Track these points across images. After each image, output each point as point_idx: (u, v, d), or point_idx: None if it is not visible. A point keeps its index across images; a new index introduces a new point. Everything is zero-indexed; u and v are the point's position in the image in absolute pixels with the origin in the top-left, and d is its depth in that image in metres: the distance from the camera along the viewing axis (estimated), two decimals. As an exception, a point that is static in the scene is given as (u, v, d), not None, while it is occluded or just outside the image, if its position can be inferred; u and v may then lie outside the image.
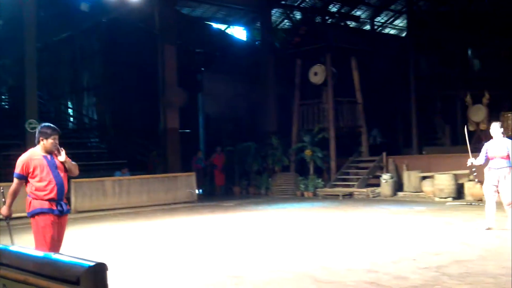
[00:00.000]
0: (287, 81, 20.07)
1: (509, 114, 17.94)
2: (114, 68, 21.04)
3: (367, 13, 26.84)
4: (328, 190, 17.37)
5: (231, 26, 25.69)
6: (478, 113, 19.15)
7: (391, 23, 28.64)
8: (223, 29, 25.23)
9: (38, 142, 5.80)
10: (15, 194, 5.70)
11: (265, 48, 21.17)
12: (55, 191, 5.67)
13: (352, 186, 17.30)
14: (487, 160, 9.04)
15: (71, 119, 24.58)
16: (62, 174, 5.80)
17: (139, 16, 18.87)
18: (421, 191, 15.70)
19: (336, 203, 14.94)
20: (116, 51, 20.72)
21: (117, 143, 20.79)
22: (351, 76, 19.51)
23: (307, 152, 18.42)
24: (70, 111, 24.83)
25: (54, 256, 2.53)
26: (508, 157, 8.76)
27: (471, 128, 19.45)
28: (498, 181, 8.88)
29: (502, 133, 9.04)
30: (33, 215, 5.63)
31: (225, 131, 21.16)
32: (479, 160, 9.18)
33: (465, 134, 10.29)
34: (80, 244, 8.79)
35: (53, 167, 5.75)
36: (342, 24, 23.85)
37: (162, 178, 16.01)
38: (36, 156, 5.73)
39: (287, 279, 5.91)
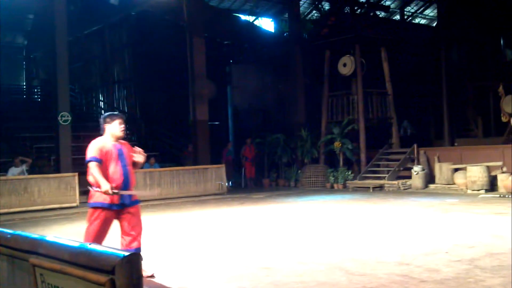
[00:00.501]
0: (316, 73, 19.97)
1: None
2: (144, 61, 21.23)
3: (397, 3, 26.51)
4: (358, 182, 17.25)
5: (259, 18, 25.66)
6: (511, 103, 18.76)
7: (421, 12, 28.25)
8: (251, 20, 25.21)
9: (104, 131, 5.72)
10: (102, 174, 5.44)
11: (293, 40, 21.08)
12: (120, 183, 5.55)
13: (383, 178, 17.14)
14: None
15: (102, 111, 24.90)
16: (129, 166, 5.70)
17: (168, 9, 18.98)
18: (453, 184, 15.47)
19: (367, 196, 14.84)
20: (145, 44, 20.90)
21: (147, 135, 21.00)
22: (381, 67, 19.30)
23: (337, 144, 18.31)
24: (101, 103, 25.14)
25: (90, 246, 2.56)
26: None
27: (504, 120, 19.09)
28: None
29: None
30: (93, 207, 5.55)
31: (254, 123, 21.19)
32: None
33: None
34: (112, 235, 8.92)
35: (121, 157, 5.65)
36: (371, 14, 23.57)
37: (192, 170, 16.11)
38: (107, 144, 5.62)
39: (318, 271, 5.89)
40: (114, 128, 5.68)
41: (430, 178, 16.35)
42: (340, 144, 18.24)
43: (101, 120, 5.79)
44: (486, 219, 9.53)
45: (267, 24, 26.09)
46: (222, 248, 7.47)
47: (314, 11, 25.20)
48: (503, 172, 14.31)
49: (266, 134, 19.42)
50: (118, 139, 5.71)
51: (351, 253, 6.79)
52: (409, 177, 16.48)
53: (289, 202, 13.77)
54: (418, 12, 28.08)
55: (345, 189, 17.14)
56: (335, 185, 17.63)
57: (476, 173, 14.43)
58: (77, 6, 19.67)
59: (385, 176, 17.12)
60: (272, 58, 21.71)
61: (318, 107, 19.72)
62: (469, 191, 14.39)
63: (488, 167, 14.50)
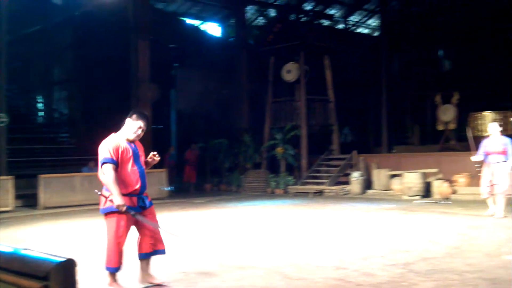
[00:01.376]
0: (261, 78, 20.12)
1: (477, 115, 18.31)
2: (86, 63, 20.79)
3: (341, 12, 27.05)
4: (299, 188, 17.49)
5: (205, 22, 25.64)
6: (447, 113, 19.49)
7: (364, 22, 28.91)
8: (197, 25, 25.15)
9: (122, 128, 5.37)
10: (117, 181, 5.07)
11: (238, 45, 21.18)
12: (139, 184, 5.23)
13: (323, 183, 17.44)
14: (486, 155, 10.06)
15: (41, 113, 24.23)
16: (144, 166, 5.40)
17: (112, 10, 18.69)
18: (390, 189, 15.92)
19: (306, 201, 15.06)
20: (88, 45, 20.48)
21: (88, 139, 20.55)
22: (324, 74, 19.66)
23: (279, 150, 18.51)
24: (40, 105, 24.47)
25: (23, 251, 2.52)
26: (504, 152, 9.80)
27: (440, 128, 19.83)
28: (493, 174, 9.93)
29: (500, 131, 10.03)
30: (107, 213, 5.18)
31: (197, 128, 21.14)
32: (479, 157, 10.19)
33: (468, 136, 10.77)
34: (47, 240, 8.72)
35: (137, 158, 5.31)
36: (316, 22, 23.99)
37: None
38: (122, 143, 5.25)
39: (257, 276, 5.95)
40: (131, 129, 5.31)
41: (368, 184, 16.76)
42: (282, 150, 18.45)
43: (128, 116, 5.38)
44: (420, 224, 9.86)
45: (213, 29, 26.09)
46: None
47: (260, 18, 25.40)
48: (438, 179, 14.83)
49: (209, 138, 19.42)
50: (130, 140, 5.37)
51: (290, 257, 6.88)
52: (348, 183, 16.85)
53: (230, 207, 13.81)
54: (361, 21, 28.73)
55: (286, 194, 17.33)
56: (276, 190, 17.80)
57: (412, 179, 14.90)
58: (19, 4, 19.08)
59: (325, 182, 17.42)
60: (217, 63, 21.73)
61: (261, 112, 19.89)
62: (405, 197, 14.83)
63: (424, 173, 15.00)
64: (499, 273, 5.74)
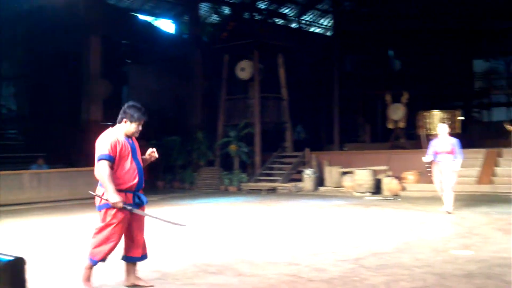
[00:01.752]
0: (215, 76, 20.09)
1: (425, 113, 18.79)
2: (36, 58, 20.26)
3: (294, 11, 27.25)
4: (252, 185, 17.55)
5: (158, 19, 25.37)
6: (397, 111, 19.95)
7: (317, 22, 29.21)
8: (150, 21, 24.87)
9: (119, 123, 5.17)
10: (112, 177, 4.90)
11: (192, 42, 21.07)
12: (136, 181, 5.08)
13: (276, 181, 17.56)
14: (435, 155, 10.43)
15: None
16: (141, 162, 5.24)
17: (64, 5, 18.28)
18: (342, 186, 16.18)
19: (260, 198, 15.13)
20: (39, 40, 19.94)
21: (37, 136, 20.05)
22: (278, 72, 19.78)
23: (232, 147, 18.54)
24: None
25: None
26: (452, 152, 10.20)
27: (390, 126, 20.26)
28: (441, 172, 10.33)
29: (448, 131, 10.43)
30: (108, 208, 4.99)
31: (150, 125, 20.84)
32: (428, 157, 10.51)
33: (421, 135, 11.07)
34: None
35: (135, 154, 5.17)
36: (270, 21, 24.10)
37: (84, 171, 15.58)
38: (119, 138, 5.09)
39: (210, 273, 5.95)
40: (131, 128, 5.18)
41: (320, 181, 16.97)
42: (236, 147, 18.48)
43: (123, 110, 5.20)
44: (371, 220, 10.06)
45: (167, 25, 25.84)
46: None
47: (214, 15, 25.32)
48: (388, 176, 15.16)
49: (162, 135, 19.26)
50: (129, 136, 5.23)
51: (242, 254, 6.91)
52: (301, 180, 17.02)
53: (183, 204, 13.74)
54: (314, 21, 29.01)
55: (239, 191, 17.38)
56: (229, 188, 17.82)
57: (363, 176, 15.18)
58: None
59: (278, 179, 17.56)
60: (171, 60, 21.56)
61: (215, 110, 19.86)
62: (356, 194, 15.10)
63: (374, 170, 15.30)
64: (446, 268, 5.91)
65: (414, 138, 18.91)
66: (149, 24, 24.49)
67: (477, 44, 24.72)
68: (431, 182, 11.37)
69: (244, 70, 19.21)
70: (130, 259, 5.32)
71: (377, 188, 15.08)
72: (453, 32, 22.35)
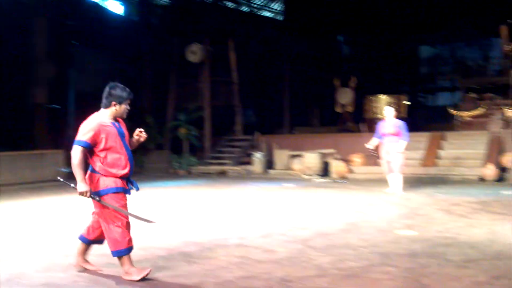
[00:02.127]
0: (165, 59, 19.82)
1: (372, 98, 19.15)
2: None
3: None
4: (202, 168, 17.52)
5: (106, 0, 24.75)
6: (345, 96, 20.23)
7: (267, 5, 29.13)
8: (98, 2, 24.22)
9: (107, 107, 4.92)
10: (82, 165, 4.71)
11: (142, 25, 20.70)
12: (128, 167, 4.91)
13: (226, 164, 17.58)
14: (381, 137, 10.84)
15: None
16: (130, 147, 5.03)
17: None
18: (291, 169, 16.34)
19: (210, 181, 15.12)
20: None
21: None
22: (228, 56, 19.70)
23: (182, 131, 18.41)
24: None
25: None
26: (397, 134, 10.56)
27: (339, 110, 20.56)
28: (388, 153, 10.66)
29: (394, 115, 10.79)
30: (106, 193, 4.83)
31: (98, 108, 20.45)
32: (375, 140, 10.90)
33: (364, 122, 11.25)
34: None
35: (122, 137, 4.94)
36: (220, 4, 23.89)
37: (28, 154, 15.19)
38: (106, 123, 4.85)
39: (159, 256, 5.92)
40: (120, 110, 4.97)
41: (270, 164, 17.09)
42: (185, 131, 18.36)
43: (108, 93, 4.96)
44: (318, 202, 10.21)
45: (115, 7, 25.23)
46: (56, 238, 7.18)
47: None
48: (335, 159, 15.41)
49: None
50: (115, 119, 5.01)
51: (192, 237, 6.90)
52: (251, 163, 17.10)
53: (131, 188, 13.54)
54: (265, 5, 28.90)
55: (189, 175, 17.31)
56: (179, 171, 17.72)
57: (311, 159, 15.38)
58: None
59: (229, 162, 17.58)
60: (119, 42, 21.12)
61: (165, 93, 19.63)
62: (305, 176, 15.29)
63: (322, 154, 15.51)
64: (391, 248, 6.08)
65: (361, 122, 19.24)
66: (97, 5, 23.87)
67: (423, 31, 25.28)
68: (377, 164, 11.63)
69: (194, 53, 19.02)
70: (88, 241, 5.21)
71: (325, 171, 15.31)
72: (401, 18, 22.77)
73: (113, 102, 4.92)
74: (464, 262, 5.35)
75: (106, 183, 4.83)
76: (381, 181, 12.17)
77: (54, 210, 9.90)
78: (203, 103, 18.92)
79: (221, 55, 19.70)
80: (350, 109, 20.31)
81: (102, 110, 4.97)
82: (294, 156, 16.52)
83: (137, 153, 18.43)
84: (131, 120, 17.42)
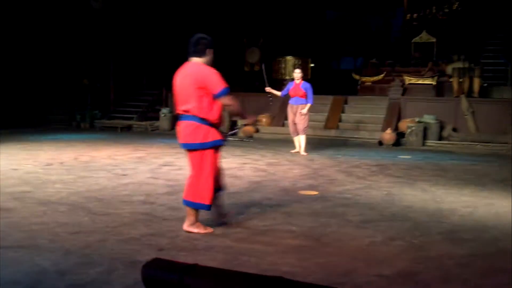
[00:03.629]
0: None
1: (280, 59, 19.32)
2: None
3: None
4: (106, 122, 17.03)
5: None
6: (253, 55, 20.29)
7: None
8: None
9: (202, 55, 4.95)
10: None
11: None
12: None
13: (132, 119, 17.19)
14: (286, 96, 11.29)
15: None
16: None
17: None
18: (198, 127, 16.23)
19: (114, 136, 14.75)
20: None
21: None
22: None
23: (85, 81, 17.74)
24: None
25: None
26: (303, 96, 10.91)
27: (246, 69, 20.60)
28: (295, 114, 10.98)
29: (301, 77, 11.10)
30: (212, 147, 4.91)
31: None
32: (281, 93, 11.36)
33: (262, 68, 11.32)
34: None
35: None
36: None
37: None
38: None
39: (59, 212, 5.75)
40: (211, 58, 5.03)
41: (177, 120, 16.89)
42: (88, 82, 17.72)
43: (202, 40, 4.95)
44: (223, 160, 10.24)
45: None
46: None
47: None
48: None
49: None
50: None
51: (94, 193, 6.74)
52: (157, 119, 16.83)
53: (31, 141, 12.96)
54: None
55: (92, 128, 16.79)
56: (82, 124, 17.13)
57: (219, 118, 15.37)
58: None
59: (134, 117, 17.21)
60: None
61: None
62: (212, 135, 15.27)
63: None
64: (294, 207, 6.26)
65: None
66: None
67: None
68: (282, 125, 11.79)
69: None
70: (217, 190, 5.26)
71: (232, 129, 15.37)
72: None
73: (208, 49, 4.98)
74: (362, 222, 5.61)
75: (214, 135, 4.97)
76: (287, 141, 12.42)
77: None
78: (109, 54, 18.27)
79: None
80: (257, 68, 20.38)
81: (196, 59, 4.97)
82: (201, 113, 16.42)
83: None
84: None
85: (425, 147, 13.34)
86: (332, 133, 14.70)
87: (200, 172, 4.95)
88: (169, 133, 15.85)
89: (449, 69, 16.40)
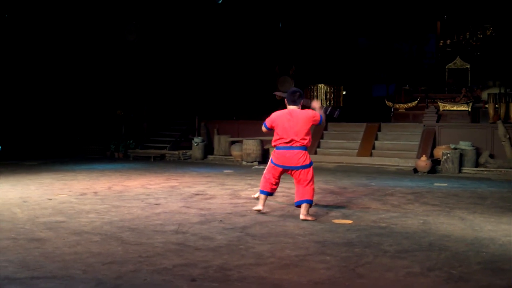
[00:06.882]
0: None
1: (312, 87, 19.33)
2: None
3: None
4: (139, 152, 17.20)
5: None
6: (285, 84, 20.36)
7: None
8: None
9: (298, 104, 7.21)
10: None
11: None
12: None
13: (165, 148, 17.34)
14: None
15: None
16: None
17: None
18: (230, 155, 16.30)
19: (147, 165, 14.87)
20: None
21: None
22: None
23: (119, 112, 18.00)
24: None
25: None
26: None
27: (278, 98, 20.63)
28: None
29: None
30: (311, 166, 7.19)
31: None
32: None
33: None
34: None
35: None
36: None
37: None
38: None
39: (93, 242, 5.75)
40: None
41: (209, 149, 16.99)
42: (122, 112, 17.97)
43: (299, 94, 7.25)
44: (256, 189, 10.18)
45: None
46: (-12, 219, 6.87)
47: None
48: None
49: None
50: None
51: (128, 223, 6.75)
52: (190, 148, 16.94)
53: (66, 170, 13.16)
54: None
55: (126, 158, 16.97)
56: (116, 154, 17.34)
57: (251, 146, 15.39)
58: None
59: (167, 146, 17.35)
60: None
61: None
62: (244, 163, 15.30)
63: (261, 140, 15.55)
64: (328, 236, 6.14)
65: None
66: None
67: (362, 23, 25.64)
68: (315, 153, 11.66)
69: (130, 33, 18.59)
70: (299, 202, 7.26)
71: (264, 158, 15.36)
72: (340, 9, 23.03)
73: (301, 102, 7.26)
74: (398, 252, 5.46)
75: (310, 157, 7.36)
76: (320, 170, 12.30)
77: None
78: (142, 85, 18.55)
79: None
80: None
81: (293, 106, 7.21)
82: (233, 142, 16.49)
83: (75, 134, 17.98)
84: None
85: (461, 174, 13.07)
86: (366, 160, 14.54)
87: (312, 181, 7.15)
88: (201, 162, 15.93)
89: (484, 94, 16.15)
